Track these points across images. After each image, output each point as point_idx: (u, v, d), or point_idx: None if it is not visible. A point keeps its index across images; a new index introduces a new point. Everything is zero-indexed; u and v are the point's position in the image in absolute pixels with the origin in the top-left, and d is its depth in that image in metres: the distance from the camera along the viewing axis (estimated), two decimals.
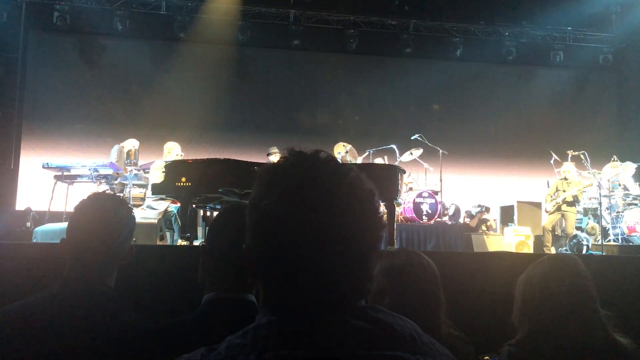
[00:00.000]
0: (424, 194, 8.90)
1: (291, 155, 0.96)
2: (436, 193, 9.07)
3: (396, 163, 8.79)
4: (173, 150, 7.69)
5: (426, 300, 1.98)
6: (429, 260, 2.10)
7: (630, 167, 9.12)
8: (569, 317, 1.82)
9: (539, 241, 8.74)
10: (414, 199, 8.81)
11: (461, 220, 9.79)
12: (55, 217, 7.19)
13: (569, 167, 8.82)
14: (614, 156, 9.38)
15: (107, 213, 1.78)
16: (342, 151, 9.10)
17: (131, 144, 8.23)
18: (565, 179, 8.73)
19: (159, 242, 6.45)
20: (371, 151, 9.65)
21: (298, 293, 0.92)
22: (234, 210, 1.60)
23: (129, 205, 1.94)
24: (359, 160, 9.19)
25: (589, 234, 8.83)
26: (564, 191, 8.64)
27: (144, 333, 1.57)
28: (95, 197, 1.87)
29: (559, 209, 8.65)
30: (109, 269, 1.80)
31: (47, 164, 7.26)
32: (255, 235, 0.95)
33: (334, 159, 0.97)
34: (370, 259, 0.95)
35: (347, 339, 0.88)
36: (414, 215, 8.73)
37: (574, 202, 8.62)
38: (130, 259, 1.87)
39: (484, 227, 9.70)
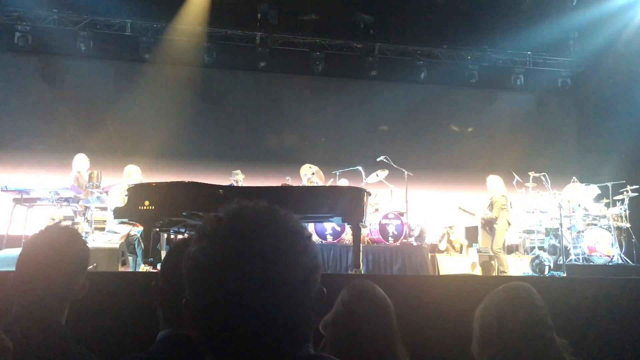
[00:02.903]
0: (389, 215, 8.93)
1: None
2: (402, 214, 9.12)
3: (362, 184, 8.84)
4: (133, 175, 7.60)
5: (370, 334, 2.00)
6: (380, 295, 2.12)
7: (592, 190, 9.31)
8: (525, 347, 1.84)
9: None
10: (380, 221, 8.83)
11: (428, 242, 9.83)
12: (13, 241, 6.99)
13: (487, 181, 8.77)
14: (574, 177, 9.61)
15: (59, 248, 1.73)
16: (308, 173, 9.14)
17: (80, 161, 8.12)
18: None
19: (120, 268, 6.31)
20: (337, 173, 9.69)
21: (235, 343, 0.89)
22: (187, 245, 1.56)
23: (83, 239, 1.89)
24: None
25: (550, 253, 8.97)
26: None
27: None
28: (47, 231, 1.82)
29: (485, 226, 8.64)
30: (60, 305, 1.75)
31: (6, 187, 7.09)
32: (188, 284, 0.92)
33: (268, 206, 0.95)
34: (303, 302, 0.91)
35: None
36: (380, 236, 8.75)
37: (494, 220, 8.41)
38: (84, 293, 1.82)
39: (453, 247, 9.74)
